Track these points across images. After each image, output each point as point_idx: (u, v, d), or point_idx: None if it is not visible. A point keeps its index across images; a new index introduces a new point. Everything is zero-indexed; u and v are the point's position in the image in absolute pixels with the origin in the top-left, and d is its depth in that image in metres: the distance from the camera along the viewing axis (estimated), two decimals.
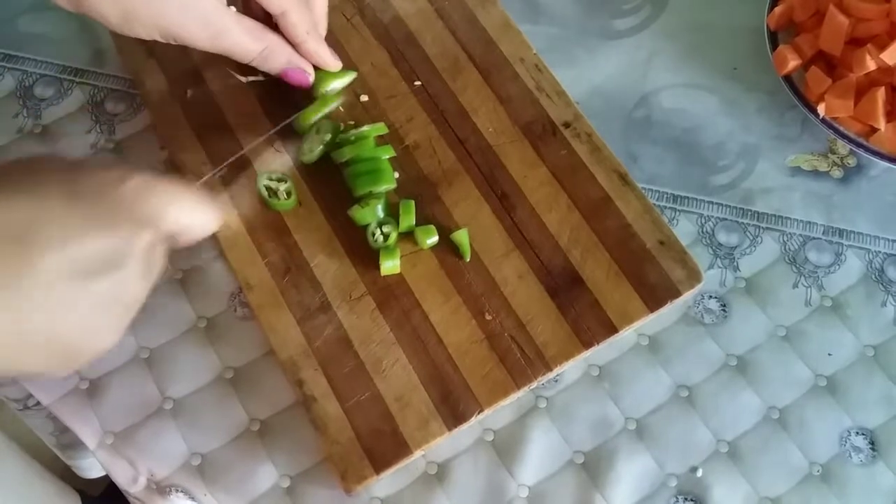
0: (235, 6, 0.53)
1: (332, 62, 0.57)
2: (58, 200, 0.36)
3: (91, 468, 0.74)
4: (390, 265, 0.53)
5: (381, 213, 0.55)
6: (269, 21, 0.54)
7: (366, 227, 0.55)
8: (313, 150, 0.57)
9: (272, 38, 0.54)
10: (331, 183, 0.57)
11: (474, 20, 0.63)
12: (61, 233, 0.36)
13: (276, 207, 0.56)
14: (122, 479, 0.54)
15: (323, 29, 0.58)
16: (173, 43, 0.51)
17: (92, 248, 0.36)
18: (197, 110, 0.60)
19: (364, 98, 0.60)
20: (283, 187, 0.56)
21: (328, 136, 0.57)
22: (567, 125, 0.59)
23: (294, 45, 0.55)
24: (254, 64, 0.54)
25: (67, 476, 0.88)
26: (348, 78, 0.60)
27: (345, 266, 0.55)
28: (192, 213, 0.43)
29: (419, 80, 0.61)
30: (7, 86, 0.64)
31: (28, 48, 0.66)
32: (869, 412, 0.54)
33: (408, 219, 0.55)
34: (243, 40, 0.52)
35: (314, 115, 0.58)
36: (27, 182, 0.37)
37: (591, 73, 0.65)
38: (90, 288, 0.37)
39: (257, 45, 0.53)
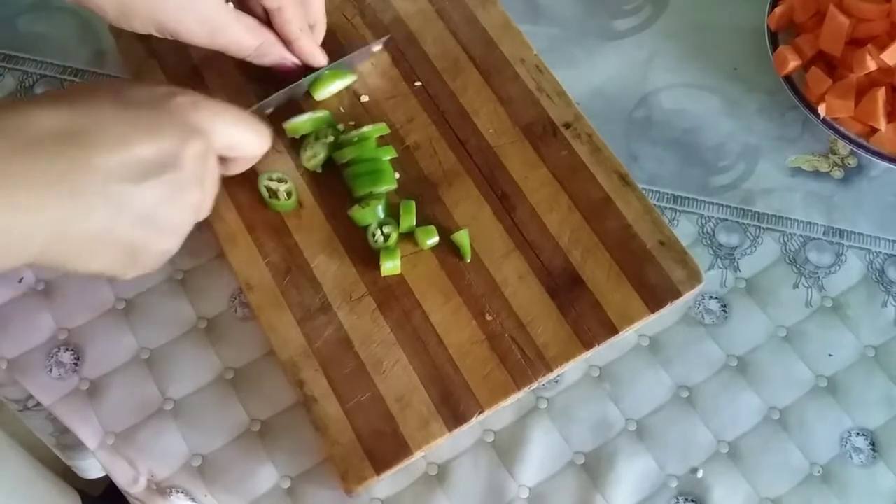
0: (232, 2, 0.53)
1: (320, 59, 0.58)
2: (110, 107, 0.38)
3: (91, 469, 0.74)
4: (391, 266, 0.53)
5: (381, 214, 0.55)
6: (262, 19, 0.55)
7: (366, 227, 0.55)
8: (317, 155, 0.57)
9: (268, 34, 0.55)
10: (331, 183, 0.57)
11: (475, 21, 0.63)
12: (114, 135, 0.37)
13: (276, 208, 0.56)
14: (122, 479, 0.54)
15: (321, 29, 0.58)
16: (170, 38, 0.51)
17: (144, 151, 0.38)
18: None
19: (364, 98, 0.60)
20: (283, 188, 0.56)
21: (330, 139, 0.57)
22: (567, 126, 0.59)
23: (287, 42, 0.56)
24: (249, 59, 0.55)
25: (67, 476, 0.88)
26: (349, 80, 0.60)
27: (345, 266, 0.55)
28: (242, 129, 0.44)
29: (420, 80, 0.61)
30: (7, 86, 0.64)
31: (28, 48, 0.65)
32: (869, 413, 0.54)
33: (408, 219, 0.55)
34: (241, 37, 0.53)
35: (305, 127, 0.58)
36: (77, 92, 0.39)
37: (591, 74, 0.65)
38: (145, 188, 0.38)
39: (254, 42, 0.54)
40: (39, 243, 0.36)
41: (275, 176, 0.56)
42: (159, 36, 0.51)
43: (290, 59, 0.56)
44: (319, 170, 0.57)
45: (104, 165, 0.37)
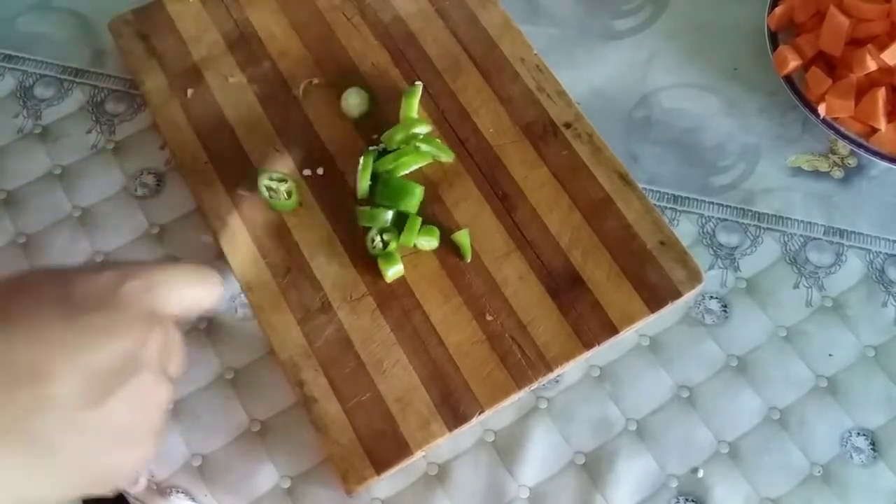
0: None
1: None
2: (56, 322, 0.34)
3: None
4: (393, 272, 0.53)
5: (388, 220, 0.54)
6: None
7: (367, 228, 0.55)
8: (362, 183, 0.56)
9: None
10: (331, 183, 0.57)
11: (475, 20, 0.63)
12: (66, 356, 0.34)
13: (276, 207, 0.56)
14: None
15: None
16: None
17: (101, 363, 0.35)
18: (197, 110, 0.60)
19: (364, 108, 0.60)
20: (283, 187, 0.56)
21: (371, 163, 0.56)
22: (568, 125, 0.59)
23: None
24: None
25: None
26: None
27: (345, 266, 0.55)
28: (196, 289, 0.41)
29: (420, 79, 0.61)
30: (7, 86, 0.64)
31: (28, 48, 0.65)
32: (870, 413, 0.54)
33: (410, 236, 0.54)
34: None
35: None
36: (21, 308, 0.35)
37: (591, 74, 0.65)
38: (109, 403, 0.34)
39: None
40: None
41: (275, 176, 0.56)
42: None
43: None
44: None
45: (60, 395, 0.33)
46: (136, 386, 0.36)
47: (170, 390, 0.38)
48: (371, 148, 0.57)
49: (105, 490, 0.37)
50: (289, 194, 0.56)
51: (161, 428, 0.38)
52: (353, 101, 0.59)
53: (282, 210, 0.56)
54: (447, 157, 0.57)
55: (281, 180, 0.56)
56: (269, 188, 0.56)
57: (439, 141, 0.57)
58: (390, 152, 0.56)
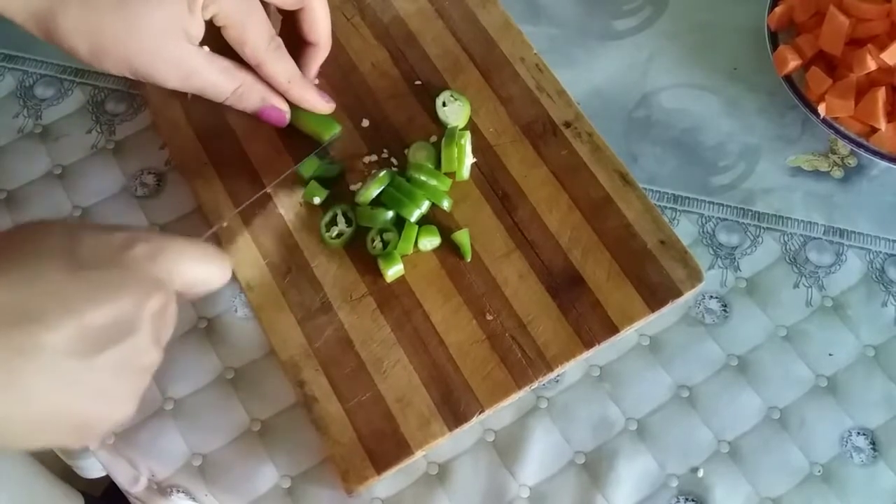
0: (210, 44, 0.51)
1: (320, 106, 0.57)
2: (57, 272, 0.35)
3: (91, 468, 0.73)
4: (393, 272, 0.53)
5: (389, 218, 0.54)
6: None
7: (367, 229, 0.55)
8: (342, 234, 0.55)
9: (246, 77, 0.53)
10: (330, 183, 0.57)
11: (475, 20, 0.63)
12: (63, 307, 0.34)
13: (325, 240, 0.55)
14: (123, 479, 0.54)
15: (324, 50, 0.57)
16: (144, 81, 0.50)
17: (98, 318, 0.35)
18: (197, 111, 0.60)
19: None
20: (337, 229, 0.55)
21: (386, 182, 0.55)
22: (568, 125, 0.59)
23: (280, 92, 0.55)
24: (228, 103, 0.54)
25: (68, 476, 0.88)
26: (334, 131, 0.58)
27: (345, 266, 0.55)
28: (203, 267, 0.41)
29: (420, 79, 0.61)
30: (7, 86, 0.64)
31: (28, 48, 0.65)
32: (870, 412, 0.54)
33: (406, 245, 0.54)
34: (215, 80, 0.52)
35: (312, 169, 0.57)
36: (24, 255, 0.35)
37: (591, 74, 0.65)
38: (99, 360, 0.35)
39: (230, 85, 0.52)
40: None
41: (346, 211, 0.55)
42: (133, 78, 0.50)
43: (270, 102, 0.55)
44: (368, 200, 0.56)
45: (55, 343, 0.33)
46: (128, 347, 0.36)
47: (158, 358, 0.39)
48: (394, 170, 0.56)
49: (75, 444, 0.37)
50: (338, 235, 0.55)
51: (140, 393, 0.38)
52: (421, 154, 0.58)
53: (328, 244, 0.55)
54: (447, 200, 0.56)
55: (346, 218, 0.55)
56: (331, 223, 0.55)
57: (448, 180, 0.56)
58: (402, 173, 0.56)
